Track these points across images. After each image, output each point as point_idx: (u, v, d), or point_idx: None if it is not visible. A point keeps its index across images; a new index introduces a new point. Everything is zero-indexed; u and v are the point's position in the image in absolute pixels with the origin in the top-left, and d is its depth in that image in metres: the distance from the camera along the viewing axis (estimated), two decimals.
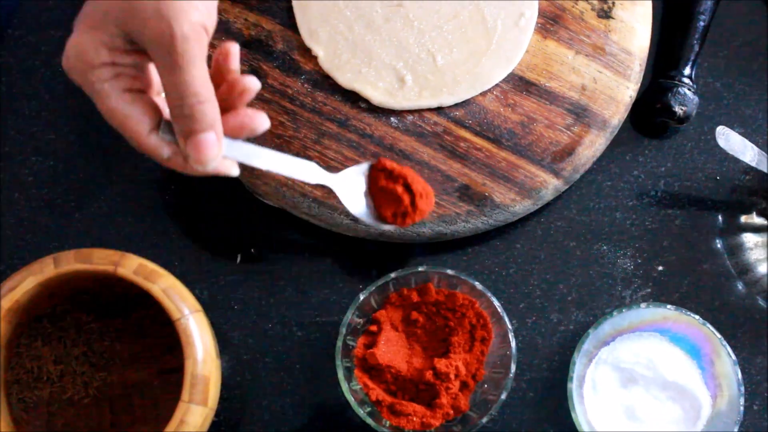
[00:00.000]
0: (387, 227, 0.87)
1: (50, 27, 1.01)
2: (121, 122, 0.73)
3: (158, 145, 0.74)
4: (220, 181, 0.96)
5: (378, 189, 0.85)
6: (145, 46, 0.71)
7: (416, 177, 0.85)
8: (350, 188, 0.85)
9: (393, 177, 0.85)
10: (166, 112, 0.75)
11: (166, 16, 0.69)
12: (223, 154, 0.74)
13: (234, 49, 0.76)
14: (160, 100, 0.76)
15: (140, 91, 0.74)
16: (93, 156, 0.98)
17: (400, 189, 0.84)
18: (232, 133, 0.75)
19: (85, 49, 0.72)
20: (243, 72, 0.77)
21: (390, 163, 0.85)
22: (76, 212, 0.97)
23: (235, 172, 0.77)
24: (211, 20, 0.73)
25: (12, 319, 0.83)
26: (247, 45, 0.96)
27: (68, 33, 0.98)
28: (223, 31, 0.96)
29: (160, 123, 0.74)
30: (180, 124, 0.72)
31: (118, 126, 0.74)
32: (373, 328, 0.92)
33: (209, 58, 0.72)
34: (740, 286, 0.97)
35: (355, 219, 0.93)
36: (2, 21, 1.01)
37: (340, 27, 0.96)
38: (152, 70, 0.76)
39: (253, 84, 0.75)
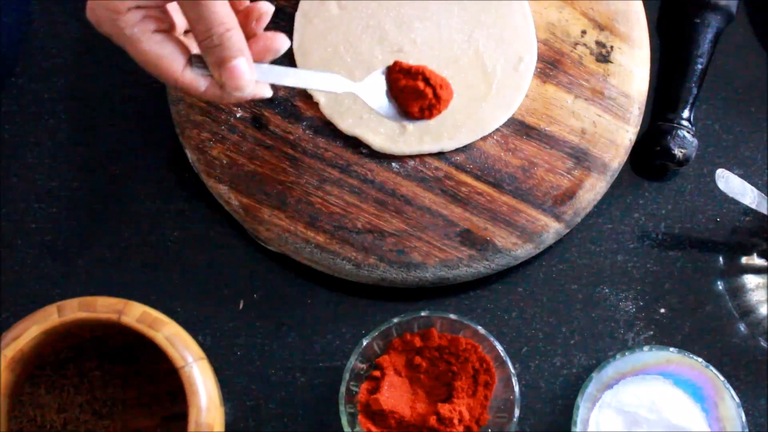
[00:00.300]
0: (415, 123, 0.90)
1: (53, 75, 1.01)
2: (155, 63, 0.76)
3: (194, 79, 0.78)
4: (221, 227, 0.97)
5: (399, 90, 0.88)
6: None
7: (432, 71, 0.88)
8: (375, 92, 0.88)
9: (412, 75, 0.87)
10: (193, 49, 0.79)
11: None
12: (255, 78, 0.78)
13: None
14: (185, 39, 0.80)
15: (166, 31, 0.78)
16: (95, 203, 0.99)
17: (421, 84, 0.87)
18: (257, 58, 0.79)
19: None
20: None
21: (405, 63, 0.87)
22: (79, 259, 0.97)
23: (268, 93, 0.80)
24: None
25: (15, 367, 0.83)
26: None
27: (72, 82, 1.01)
28: None
29: (190, 59, 0.78)
30: (211, 55, 0.76)
31: (154, 67, 0.77)
32: (377, 373, 0.91)
33: None
34: (742, 327, 0.97)
35: (358, 264, 0.93)
36: (5, 69, 1.01)
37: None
38: (172, 10, 0.79)
39: (267, 7, 0.80)
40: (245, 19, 0.79)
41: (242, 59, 0.76)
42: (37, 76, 1.02)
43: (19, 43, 1.02)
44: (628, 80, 0.99)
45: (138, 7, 0.75)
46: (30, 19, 1.03)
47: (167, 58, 0.76)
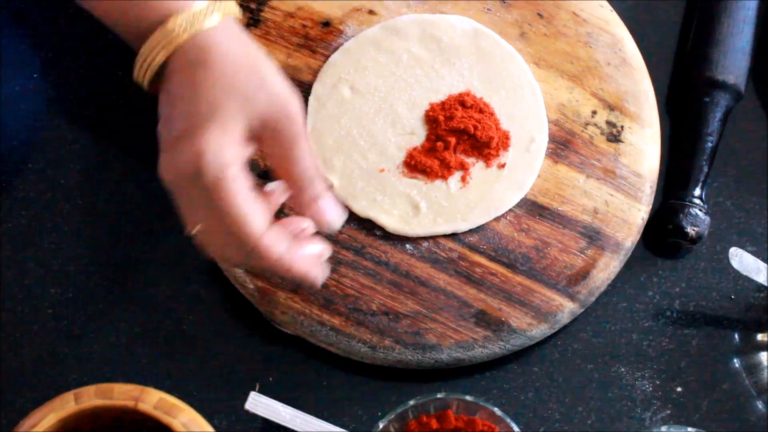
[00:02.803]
0: None
1: (69, 161, 1.02)
2: (242, 221, 0.73)
3: (276, 239, 0.75)
4: (236, 309, 0.98)
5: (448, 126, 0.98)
6: (274, 122, 0.75)
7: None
8: None
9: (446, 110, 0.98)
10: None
11: (287, 92, 0.77)
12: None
13: None
14: None
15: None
16: (112, 287, 0.99)
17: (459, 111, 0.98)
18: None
19: (222, 147, 0.72)
20: None
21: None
22: (95, 344, 0.98)
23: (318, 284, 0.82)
24: None
25: None
26: (263, 176, 0.97)
27: (88, 167, 1.01)
28: None
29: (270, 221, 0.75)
30: (308, 191, 0.78)
31: (238, 225, 0.73)
32: None
33: None
34: (760, 405, 0.97)
35: (373, 347, 0.94)
36: (21, 156, 1.02)
37: (354, 156, 0.98)
38: None
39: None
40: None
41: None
42: (53, 162, 1.02)
43: (35, 129, 1.03)
44: (639, 159, 0.99)
45: (241, 157, 0.74)
46: (46, 105, 1.04)
47: (255, 217, 0.73)
